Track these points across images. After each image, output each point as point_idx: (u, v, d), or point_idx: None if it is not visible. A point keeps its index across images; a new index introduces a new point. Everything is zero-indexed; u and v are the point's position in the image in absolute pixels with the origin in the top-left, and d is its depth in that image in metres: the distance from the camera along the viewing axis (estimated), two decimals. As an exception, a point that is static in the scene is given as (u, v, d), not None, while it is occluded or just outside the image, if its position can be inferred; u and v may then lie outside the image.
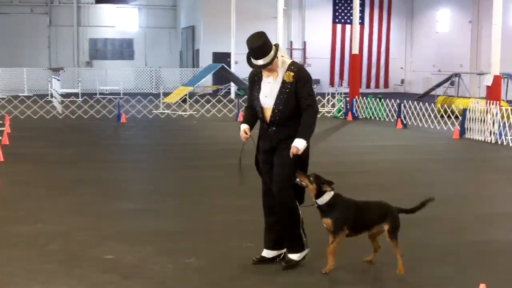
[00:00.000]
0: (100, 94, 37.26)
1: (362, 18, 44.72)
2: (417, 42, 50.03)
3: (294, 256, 6.85)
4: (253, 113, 6.96)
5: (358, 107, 26.29)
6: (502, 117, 18.83)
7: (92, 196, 10.58)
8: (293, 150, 6.51)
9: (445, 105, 24.45)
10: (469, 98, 25.99)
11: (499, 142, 18.22)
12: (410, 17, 50.57)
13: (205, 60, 44.05)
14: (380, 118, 25.29)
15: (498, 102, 18.97)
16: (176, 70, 46.30)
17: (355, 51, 29.08)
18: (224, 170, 13.28)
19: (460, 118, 20.44)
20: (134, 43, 49.91)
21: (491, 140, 18.56)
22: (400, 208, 6.74)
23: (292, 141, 6.56)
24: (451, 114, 23.17)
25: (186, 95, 28.88)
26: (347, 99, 27.12)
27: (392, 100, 24.94)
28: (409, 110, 23.29)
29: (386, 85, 49.82)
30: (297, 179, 6.58)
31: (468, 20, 44.35)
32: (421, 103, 24.08)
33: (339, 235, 6.51)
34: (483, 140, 18.83)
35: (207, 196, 10.70)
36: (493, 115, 18.70)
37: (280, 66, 6.67)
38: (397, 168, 14.11)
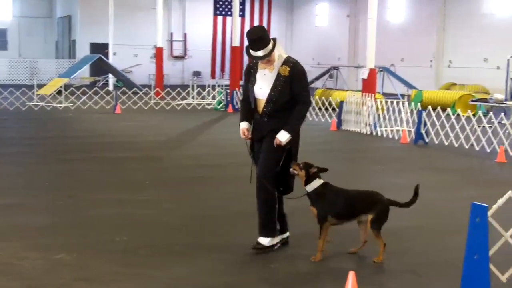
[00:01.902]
0: (-28, 85, 35.82)
1: (243, 10, 44.93)
2: (297, 35, 50.79)
3: (264, 241, 7.00)
4: (248, 107, 7.15)
5: (239, 99, 26.35)
6: (377, 109, 19.31)
7: (-42, 192, 10.08)
8: (276, 141, 6.82)
9: (323, 98, 24.86)
10: (347, 90, 26.54)
11: (374, 133, 18.69)
12: (290, 10, 51.27)
13: (82, 50, 43.13)
14: (260, 110, 25.39)
15: (373, 94, 19.44)
16: (52, 61, 45.03)
17: (236, 43, 29.15)
18: (100, 164, 12.99)
19: (338, 110, 20.84)
20: (8, 33, 48.11)
21: (366, 131, 19.01)
22: (392, 201, 6.78)
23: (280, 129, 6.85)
24: (328, 107, 23.57)
25: (61, 86, 28.09)
26: (228, 91, 27.16)
27: (272, 92, 25.11)
28: (288, 102, 23.51)
29: (266, 77, 50.24)
30: (291, 169, 6.83)
31: (346, 14, 45.41)
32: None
33: (323, 226, 6.68)
34: (359, 131, 19.26)
35: (80, 190, 10.37)
36: (368, 107, 19.15)
37: (277, 60, 6.88)
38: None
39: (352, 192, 6.90)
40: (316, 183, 6.76)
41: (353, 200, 6.79)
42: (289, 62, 6.89)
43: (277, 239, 7.10)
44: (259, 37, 6.74)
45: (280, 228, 7.19)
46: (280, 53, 6.90)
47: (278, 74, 6.85)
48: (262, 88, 6.92)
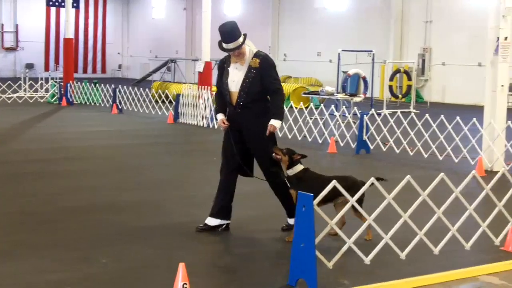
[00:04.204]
0: None
1: (77, 2, 43.66)
2: (134, 28, 50.25)
3: (292, 221, 7.34)
4: (222, 101, 7.64)
5: (73, 92, 25.74)
6: (213, 102, 19.39)
7: None
8: (270, 128, 7.34)
9: (160, 90, 24.75)
10: (185, 83, 26.55)
11: (211, 126, 18.80)
12: (126, 2, 50.66)
13: None
14: (95, 103, 24.99)
15: (209, 87, 19.54)
16: None
17: (69, 35, 28.48)
18: None
19: (174, 103, 20.80)
20: None
21: (203, 124, 19.10)
22: (364, 182, 6.92)
23: (258, 121, 7.37)
24: (165, 99, 23.46)
25: None
26: (62, 84, 26.44)
27: (107, 85, 24.77)
28: (124, 95, 23.25)
29: (103, 70, 49.47)
30: (273, 154, 7.29)
31: (183, 7, 45.43)
32: (136, 88, 24.17)
33: None
34: (196, 124, 19.33)
35: None
36: (204, 100, 19.25)
37: (247, 54, 7.39)
38: (110, 153, 13.98)
39: (329, 177, 7.16)
40: (298, 168, 7.29)
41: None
42: (259, 55, 7.41)
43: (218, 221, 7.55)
44: (229, 30, 7.23)
45: (222, 213, 7.61)
46: (251, 49, 7.41)
47: (249, 67, 7.37)
48: (235, 80, 7.40)
